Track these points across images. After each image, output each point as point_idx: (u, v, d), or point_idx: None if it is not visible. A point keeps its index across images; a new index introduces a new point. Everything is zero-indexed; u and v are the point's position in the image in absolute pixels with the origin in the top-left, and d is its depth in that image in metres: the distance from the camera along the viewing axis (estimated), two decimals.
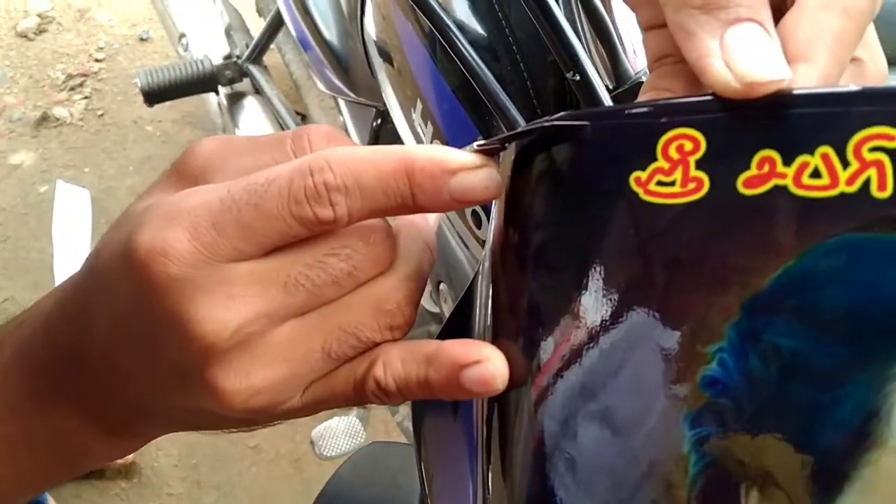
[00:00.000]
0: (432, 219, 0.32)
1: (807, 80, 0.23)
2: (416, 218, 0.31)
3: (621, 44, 0.39)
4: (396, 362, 0.28)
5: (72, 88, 1.79)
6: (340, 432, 1.06)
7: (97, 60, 1.85)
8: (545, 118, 0.27)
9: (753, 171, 0.23)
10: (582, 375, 0.27)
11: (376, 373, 0.28)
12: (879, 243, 0.22)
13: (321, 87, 1.01)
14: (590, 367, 0.26)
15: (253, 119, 1.30)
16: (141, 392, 0.29)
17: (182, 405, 0.28)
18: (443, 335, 0.34)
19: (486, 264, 0.32)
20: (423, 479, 0.37)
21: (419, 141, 0.59)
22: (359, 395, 0.29)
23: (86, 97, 1.78)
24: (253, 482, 1.38)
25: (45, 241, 1.56)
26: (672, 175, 0.24)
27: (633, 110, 0.25)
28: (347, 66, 0.89)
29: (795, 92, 0.23)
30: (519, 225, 0.29)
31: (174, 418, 0.31)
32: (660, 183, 0.24)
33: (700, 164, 0.24)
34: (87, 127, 1.74)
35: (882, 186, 0.22)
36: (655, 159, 0.24)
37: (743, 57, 0.23)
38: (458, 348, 0.28)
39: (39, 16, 1.89)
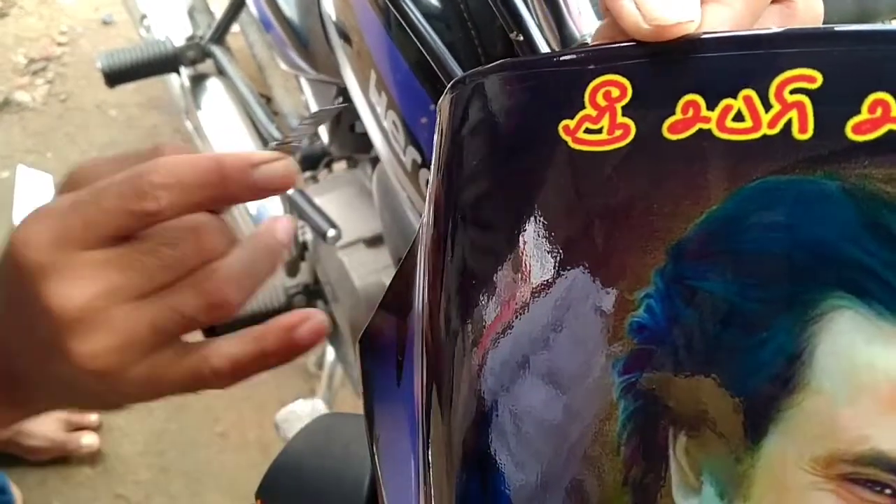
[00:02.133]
0: (282, 235, 0.37)
1: (719, 21, 0.23)
2: (267, 234, 0.36)
3: (566, 5, 0.38)
4: (227, 346, 0.34)
5: (34, 73, 1.75)
6: (305, 415, 1.05)
7: (60, 44, 1.82)
8: (472, 70, 0.27)
9: (678, 115, 0.23)
10: (525, 334, 0.26)
11: (207, 353, 0.34)
12: (800, 185, 0.22)
13: (283, 66, 1.00)
14: (532, 324, 0.26)
15: (215, 100, 1.28)
16: (25, 363, 0.34)
17: (55, 373, 0.33)
18: (387, 297, 0.34)
19: (426, 225, 0.31)
20: (371, 450, 0.36)
21: (375, 113, 0.59)
22: (195, 379, 0.34)
23: (48, 82, 1.75)
24: (221, 469, 1.37)
25: (4, 226, 1.53)
26: (599, 122, 0.24)
27: (560, 58, 0.25)
28: (308, 44, 0.88)
29: (717, 35, 0.23)
30: (453, 181, 0.28)
31: (54, 389, 0.35)
32: (588, 130, 0.24)
33: (626, 111, 0.24)
34: (50, 111, 1.71)
35: (803, 128, 0.22)
36: (583, 107, 0.24)
37: None
38: (284, 318, 0.35)
39: (1, 0, 1.86)
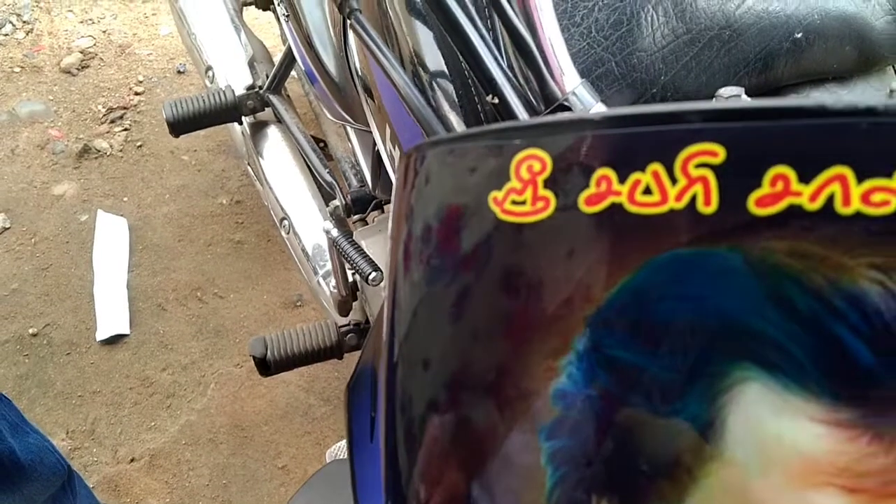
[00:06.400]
0: None
1: None
2: None
3: (547, 65, 0.40)
4: None
5: (112, 121, 1.86)
6: None
7: (136, 93, 1.92)
8: (422, 141, 0.28)
9: (592, 189, 0.24)
10: (461, 401, 0.27)
11: None
12: (706, 258, 0.22)
13: (328, 115, 1.03)
14: (468, 389, 0.27)
15: (274, 147, 1.33)
16: None
17: None
18: (365, 351, 0.35)
19: (387, 278, 0.33)
20: (355, 499, 0.38)
21: (392, 161, 0.61)
22: None
23: (125, 129, 1.85)
24: (281, 502, 1.40)
25: (84, 267, 1.62)
26: (523, 194, 0.25)
27: (489, 132, 0.26)
28: (346, 96, 0.91)
29: (627, 111, 0.23)
30: (401, 240, 0.30)
31: None
32: (514, 202, 0.25)
33: (547, 184, 0.25)
34: (127, 157, 1.80)
35: (707, 202, 0.22)
36: (509, 179, 0.25)
37: None
38: None
39: (82, 52, 1.98)
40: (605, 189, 0.23)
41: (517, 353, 0.25)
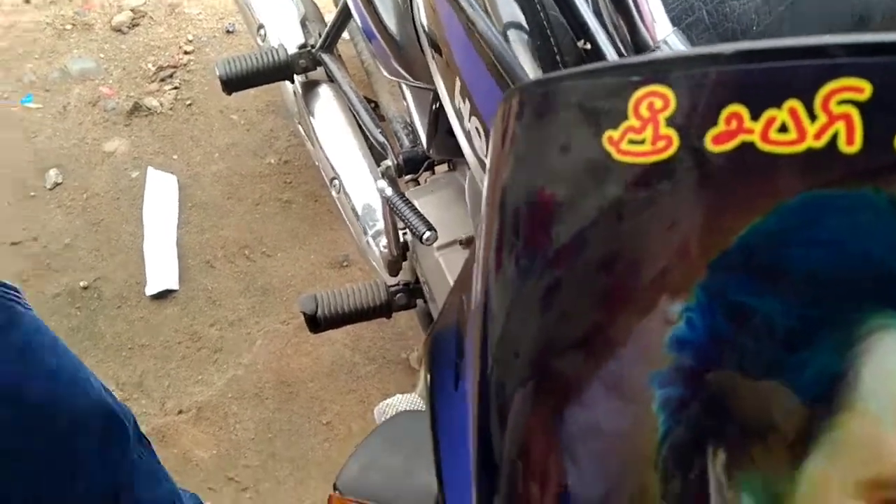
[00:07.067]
0: None
1: None
2: None
3: (639, 12, 0.38)
4: None
5: (162, 80, 1.87)
6: (403, 408, 1.07)
7: (186, 52, 1.92)
8: (521, 83, 0.27)
9: (721, 127, 0.23)
10: (571, 340, 0.27)
11: None
12: (846, 199, 0.21)
13: (385, 73, 1.02)
14: (576, 331, 0.26)
15: (326, 106, 1.33)
16: None
17: None
18: (448, 301, 0.35)
19: (481, 231, 0.32)
20: (435, 452, 0.37)
21: (459, 117, 0.60)
22: None
23: (175, 87, 1.86)
24: (325, 457, 1.41)
25: (134, 224, 1.64)
26: (643, 133, 0.24)
27: (604, 69, 0.25)
28: (406, 53, 0.90)
29: (761, 45, 0.22)
30: (503, 188, 0.29)
31: None
32: (631, 141, 0.24)
33: (670, 122, 0.24)
34: (176, 116, 1.81)
35: (850, 140, 0.21)
36: (627, 118, 0.24)
37: None
38: None
39: (132, 10, 1.98)
40: (735, 127, 0.22)
41: (629, 300, 0.24)
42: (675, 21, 0.46)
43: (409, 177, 1.14)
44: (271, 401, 1.46)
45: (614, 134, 0.24)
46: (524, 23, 0.51)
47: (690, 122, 0.23)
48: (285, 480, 1.39)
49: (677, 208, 0.23)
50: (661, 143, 0.24)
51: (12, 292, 0.69)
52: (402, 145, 1.14)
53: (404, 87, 1.06)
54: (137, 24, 1.98)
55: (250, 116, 1.81)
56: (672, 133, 0.23)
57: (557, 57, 0.48)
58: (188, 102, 1.84)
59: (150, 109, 1.81)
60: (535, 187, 0.27)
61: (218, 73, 1.33)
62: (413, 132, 1.12)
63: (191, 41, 1.95)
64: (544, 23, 0.49)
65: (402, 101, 1.20)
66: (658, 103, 0.24)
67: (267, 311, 1.54)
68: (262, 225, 1.64)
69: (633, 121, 0.24)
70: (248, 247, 1.61)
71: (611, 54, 0.35)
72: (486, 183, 0.30)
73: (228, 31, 1.97)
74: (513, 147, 0.28)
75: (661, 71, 0.24)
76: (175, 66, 1.89)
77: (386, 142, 1.15)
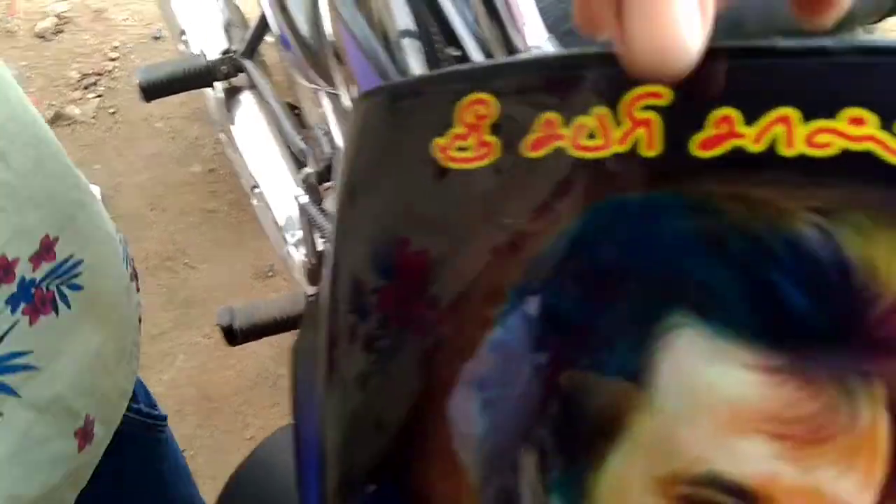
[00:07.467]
0: None
1: None
2: None
3: (512, 18, 0.39)
4: None
5: (86, 87, 1.82)
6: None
7: (111, 59, 1.89)
8: (367, 90, 0.27)
9: (537, 133, 0.23)
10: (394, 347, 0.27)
11: None
12: (646, 202, 0.22)
13: (302, 81, 1.02)
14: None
15: (247, 113, 1.31)
16: None
17: None
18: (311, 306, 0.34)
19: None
20: (296, 460, 0.37)
21: None
22: None
23: (99, 96, 1.82)
24: None
25: None
26: (468, 140, 0.24)
27: (432, 77, 0.25)
28: (321, 60, 0.90)
29: (572, 53, 0.23)
30: (349, 191, 0.29)
31: None
32: (459, 148, 0.25)
33: (493, 129, 0.24)
34: (99, 125, 1.77)
35: (650, 145, 0.22)
36: (453, 125, 0.25)
37: None
38: None
39: (57, 16, 1.94)
40: (548, 133, 0.23)
41: (455, 307, 0.25)
42: (552, 29, 0.47)
43: (328, 184, 1.13)
44: (193, 417, 1.43)
45: (442, 141, 0.25)
46: (416, 32, 0.52)
47: (511, 129, 0.23)
48: (208, 500, 1.36)
49: (497, 213, 0.24)
50: (483, 150, 0.24)
51: (160, 422, 0.70)
52: (323, 152, 1.13)
53: (321, 94, 1.06)
54: (62, 31, 1.94)
55: (175, 124, 1.78)
56: (494, 140, 0.24)
57: (441, 65, 0.49)
58: (112, 111, 1.80)
59: (72, 118, 1.77)
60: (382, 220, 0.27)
61: (137, 80, 1.30)
62: (333, 139, 1.11)
63: (116, 48, 1.92)
64: (430, 31, 0.50)
65: (320, 108, 1.19)
66: (482, 110, 0.24)
67: (190, 325, 1.51)
68: (186, 236, 1.61)
69: (459, 128, 0.24)
70: (172, 258, 1.58)
71: (479, 60, 0.36)
72: (338, 184, 0.30)
73: (156, 38, 1.94)
74: (358, 151, 0.28)
75: (486, 78, 0.24)
76: (99, 74, 1.86)
77: (307, 149, 1.15)
